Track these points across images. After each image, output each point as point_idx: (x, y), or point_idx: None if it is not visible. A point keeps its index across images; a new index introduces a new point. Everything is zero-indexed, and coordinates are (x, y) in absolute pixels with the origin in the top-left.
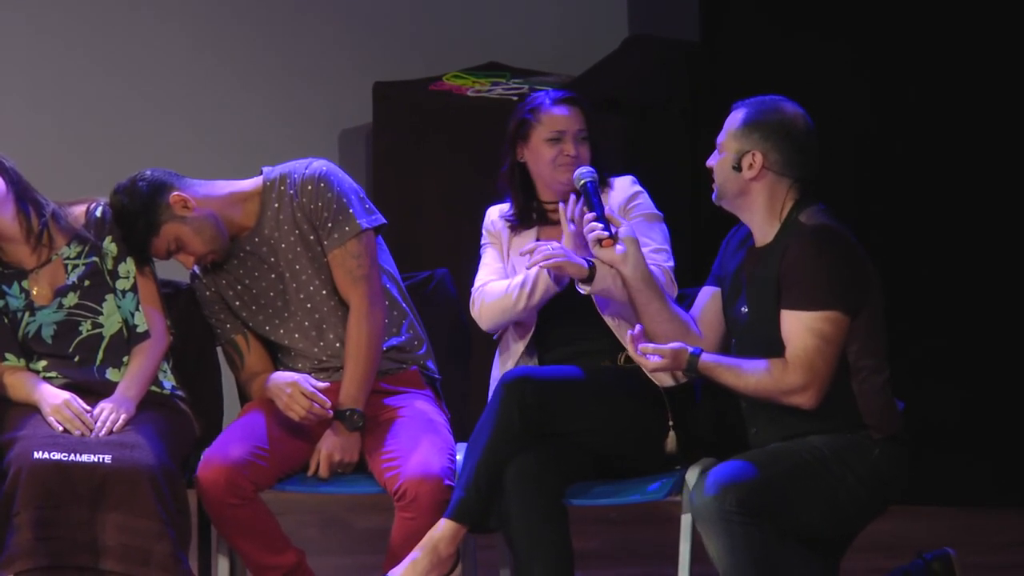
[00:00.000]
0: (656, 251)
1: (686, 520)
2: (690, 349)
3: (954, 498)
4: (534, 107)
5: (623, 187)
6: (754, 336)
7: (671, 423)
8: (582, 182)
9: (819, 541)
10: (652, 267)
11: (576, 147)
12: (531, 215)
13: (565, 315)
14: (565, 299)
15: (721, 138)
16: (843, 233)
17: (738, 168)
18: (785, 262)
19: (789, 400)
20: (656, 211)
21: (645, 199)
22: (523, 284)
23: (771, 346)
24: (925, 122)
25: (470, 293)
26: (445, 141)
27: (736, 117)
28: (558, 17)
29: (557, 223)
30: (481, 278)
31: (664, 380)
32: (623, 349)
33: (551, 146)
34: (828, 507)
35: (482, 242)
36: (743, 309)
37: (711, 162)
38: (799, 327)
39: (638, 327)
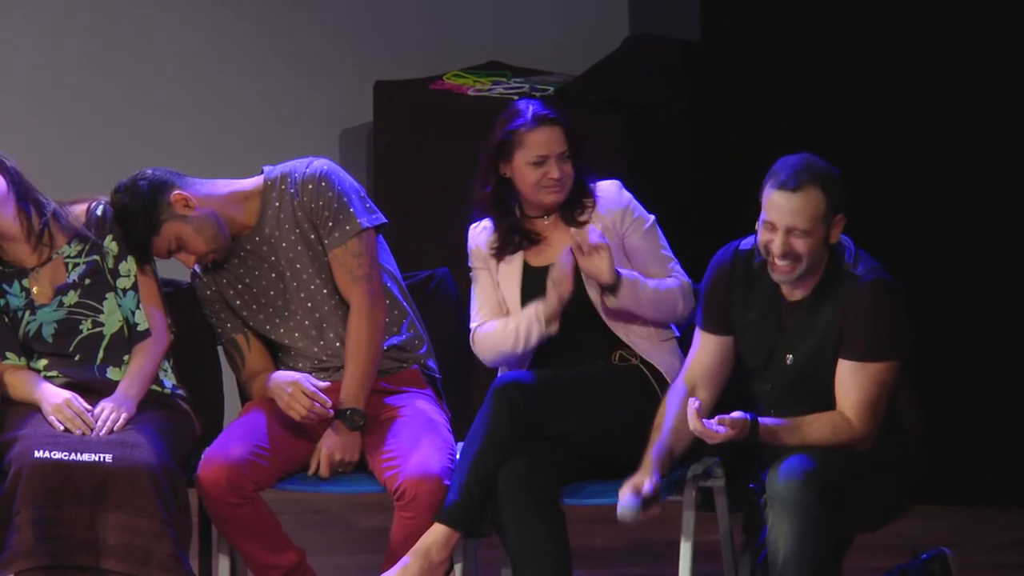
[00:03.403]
0: (672, 265)
1: (687, 519)
2: (749, 416)
3: (955, 498)
4: (514, 128)
5: (611, 197)
6: (800, 384)
7: None
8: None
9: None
10: (671, 280)
11: (559, 169)
12: (514, 237)
13: (561, 316)
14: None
15: (806, 224)
16: (893, 278)
17: (828, 237)
18: (851, 316)
19: (851, 448)
20: (648, 216)
21: (638, 209)
22: (517, 332)
23: (817, 393)
24: (926, 123)
25: (470, 315)
26: (446, 140)
27: (816, 196)
28: (559, 16)
29: (540, 241)
30: (476, 315)
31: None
32: (618, 347)
33: (534, 169)
34: (881, 502)
35: (470, 265)
36: (789, 358)
37: (786, 247)
38: (863, 377)
39: (697, 401)
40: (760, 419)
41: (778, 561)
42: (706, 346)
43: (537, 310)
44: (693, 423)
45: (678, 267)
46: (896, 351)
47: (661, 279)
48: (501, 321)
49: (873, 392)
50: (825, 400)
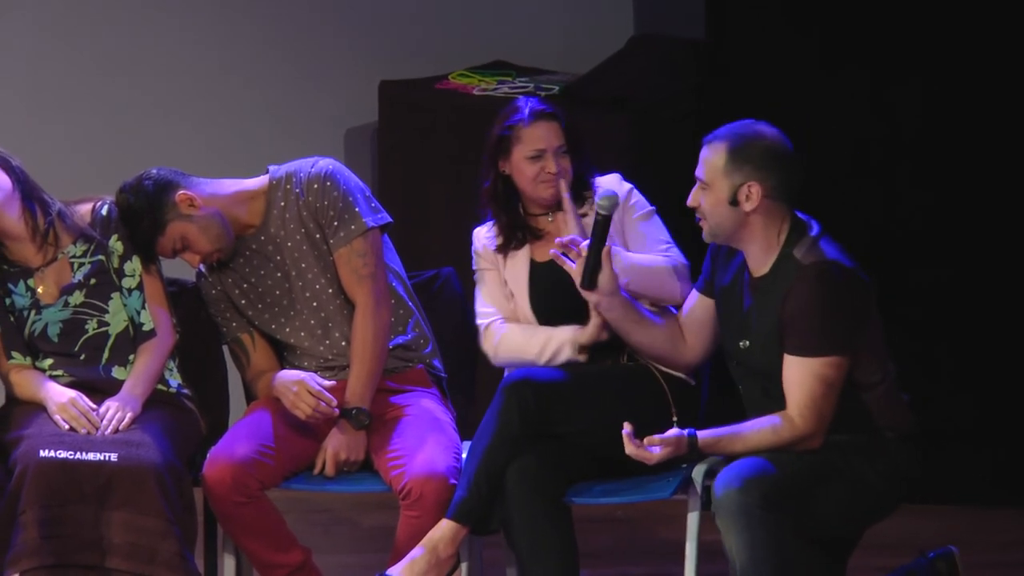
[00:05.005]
0: (668, 248)
1: (692, 519)
2: (686, 432)
3: (959, 496)
4: (512, 123)
5: (611, 187)
6: (753, 367)
7: (675, 420)
8: (601, 211)
9: (830, 540)
10: (662, 258)
11: (557, 163)
12: (517, 233)
13: (567, 317)
14: (566, 301)
15: (704, 175)
16: (839, 268)
17: (735, 203)
18: (787, 308)
19: (798, 448)
20: (650, 206)
21: (638, 196)
22: (545, 348)
23: (768, 378)
24: (930, 121)
25: (476, 323)
26: (451, 140)
27: (718, 151)
28: (564, 16)
29: (544, 236)
30: (485, 310)
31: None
32: (625, 348)
33: (532, 163)
34: (847, 504)
35: (475, 267)
36: (744, 343)
37: (694, 202)
38: (804, 373)
39: (628, 426)
40: (699, 433)
41: (737, 570)
42: (695, 304)
43: (575, 336)
44: (627, 447)
45: (675, 250)
46: (837, 346)
47: (646, 255)
48: (528, 329)
49: (816, 389)
50: (782, 386)
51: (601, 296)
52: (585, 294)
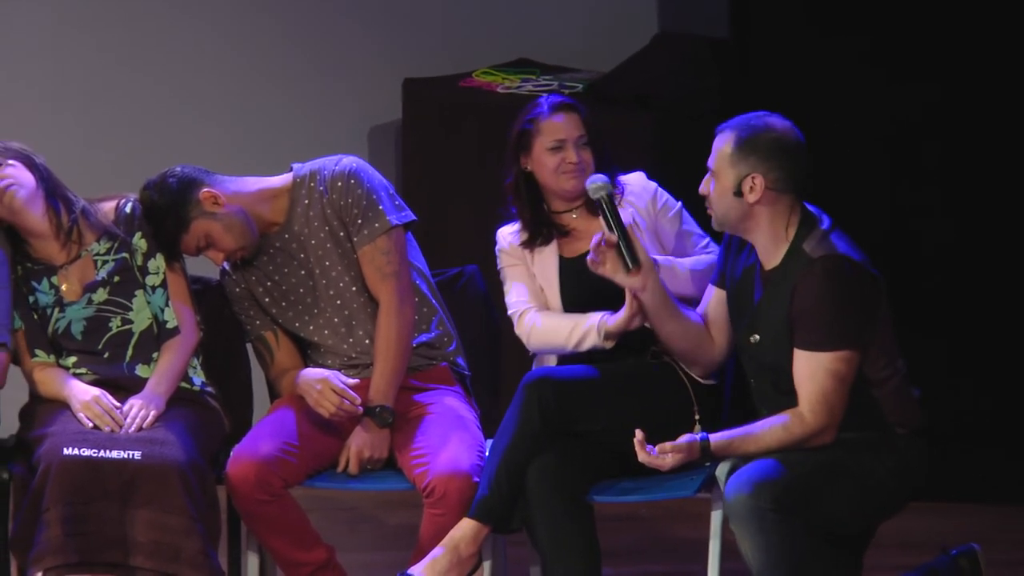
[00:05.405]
0: (707, 244)
1: (716, 517)
2: (698, 437)
3: (980, 495)
4: (532, 117)
5: (639, 186)
6: (763, 361)
7: (698, 418)
8: (600, 194)
9: (844, 537)
10: (707, 256)
11: (578, 153)
12: (542, 229)
13: (599, 311)
14: (597, 295)
15: (713, 164)
16: (848, 262)
17: (739, 193)
18: (796, 302)
19: (811, 443)
20: (677, 202)
21: (666, 195)
22: (572, 332)
23: (777, 372)
24: (952, 121)
25: (508, 313)
26: (475, 138)
27: (727, 141)
28: (588, 14)
29: (571, 232)
30: (518, 299)
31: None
32: (651, 345)
33: (553, 155)
34: (859, 501)
35: (500, 266)
36: (754, 337)
37: (705, 189)
38: (815, 367)
39: (639, 433)
40: (712, 436)
41: (754, 574)
42: (713, 298)
43: (601, 323)
44: (640, 455)
45: (713, 244)
46: (847, 341)
47: (697, 258)
48: (556, 316)
49: (827, 383)
50: (792, 380)
51: (647, 274)
52: (630, 279)
